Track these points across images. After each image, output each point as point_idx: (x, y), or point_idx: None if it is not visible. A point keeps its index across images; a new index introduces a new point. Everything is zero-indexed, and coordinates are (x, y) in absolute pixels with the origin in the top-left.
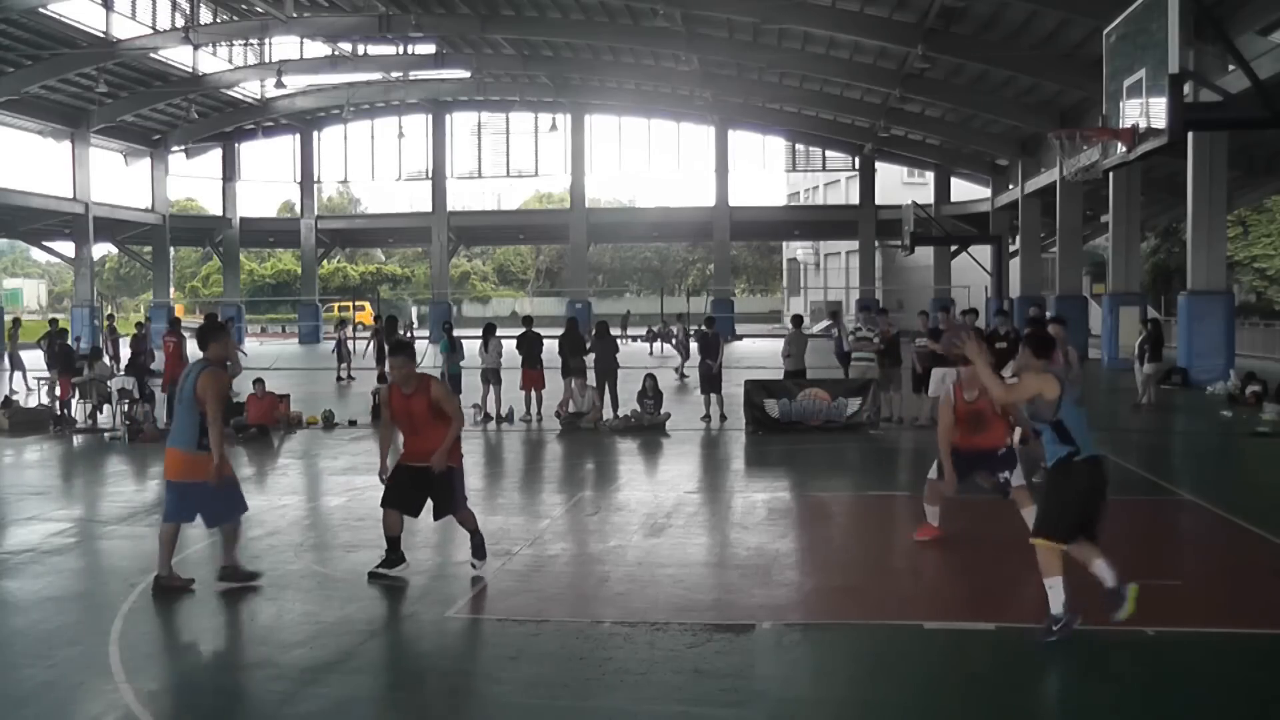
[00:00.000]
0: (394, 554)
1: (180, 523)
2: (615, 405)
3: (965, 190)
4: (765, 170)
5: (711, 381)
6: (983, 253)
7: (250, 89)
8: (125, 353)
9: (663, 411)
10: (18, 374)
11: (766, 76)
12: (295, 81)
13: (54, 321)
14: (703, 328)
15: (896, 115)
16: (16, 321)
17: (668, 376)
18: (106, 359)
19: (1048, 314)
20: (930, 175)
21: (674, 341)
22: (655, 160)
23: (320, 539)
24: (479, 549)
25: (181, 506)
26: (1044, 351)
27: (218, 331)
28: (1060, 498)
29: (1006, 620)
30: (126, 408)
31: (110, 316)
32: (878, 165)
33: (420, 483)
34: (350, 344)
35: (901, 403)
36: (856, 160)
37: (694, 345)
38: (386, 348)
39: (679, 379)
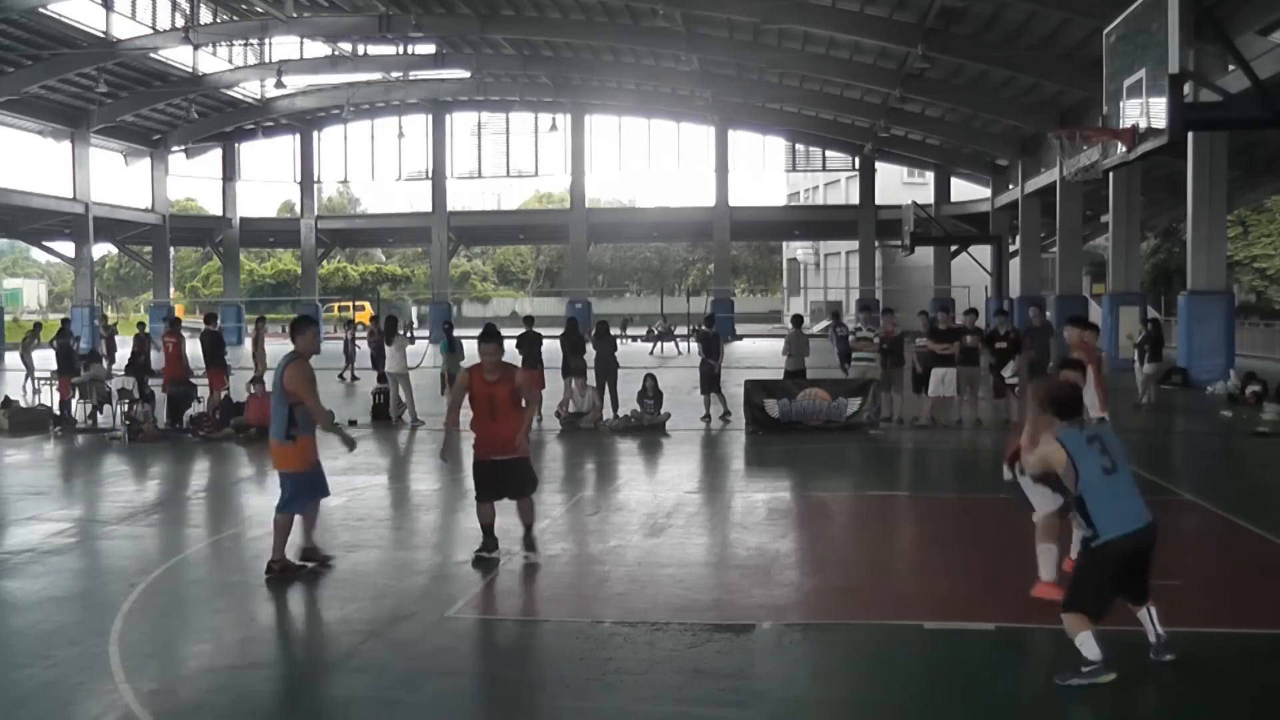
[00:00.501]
0: (490, 539)
1: (317, 498)
2: (615, 405)
3: (965, 190)
4: (765, 170)
5: (713, 381)
6: (983, 253)
7: (250, 89)
8: (120, 353)
9: (663, 411)
10: (28, 377)
11: (766, 76)
12: (295, 81)
13: (66, 322)
14: (703, 327)
15: (896, 115)
16: (38, 326)
17: (668, 376)
18: (103, 361)
19: (1052, 312)
20: (930, 175)
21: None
22: (655, 160)
23: (320, 539)
24: (530, 542)
25: (293, 493)
26: (1068, 413)
27: (305, 325)
28: (1086, 577)
29: (1006, 620)
30: (126, 408)
31: (104, 316)
32: (878, 165)
33: (501, 474)
34: (356, 344)
35: (902, 403)
36: (856, 160)
37: (694, 345)
38: (386, 348)
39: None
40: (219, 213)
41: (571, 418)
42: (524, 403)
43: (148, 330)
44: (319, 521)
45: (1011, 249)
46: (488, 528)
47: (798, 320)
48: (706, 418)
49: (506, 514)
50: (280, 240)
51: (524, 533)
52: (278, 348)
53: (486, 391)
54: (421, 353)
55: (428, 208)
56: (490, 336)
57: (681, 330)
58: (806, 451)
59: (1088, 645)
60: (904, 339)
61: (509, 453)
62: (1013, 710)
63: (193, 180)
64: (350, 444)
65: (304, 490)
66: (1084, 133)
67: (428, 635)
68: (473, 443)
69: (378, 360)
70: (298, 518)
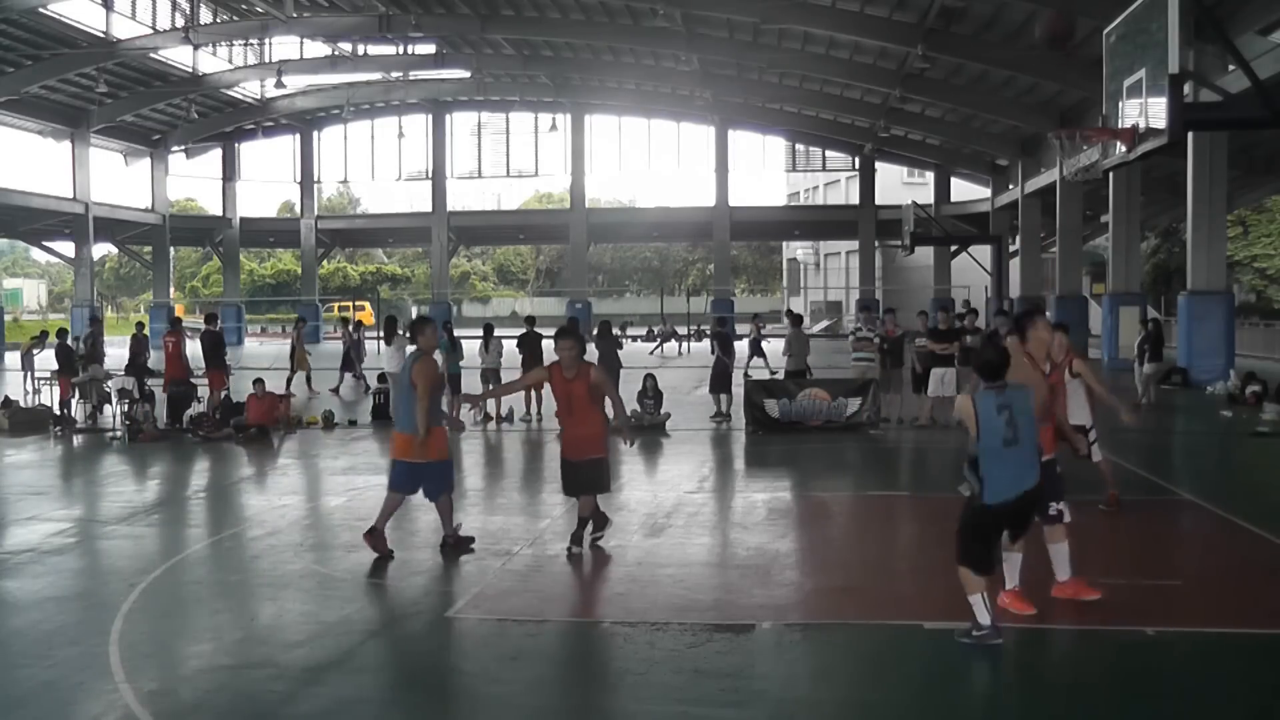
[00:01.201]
0: (600, 518)
1: (404, 494)
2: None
3: (965, 190)
4: (765, 170)
5: (725, 380)
6: (983, 253)
7: (250, 89)
8: (110, 352)
9: (663, 411)
10: (27, 377)
11: (766, 76)
12: (295, 81)
13: (95, 321)
14: (719, 327)
15: (896, 115)
16: (43, 334)
17: (668, 376)
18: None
19: (1052, 312)
20: (930, 175)
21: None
22: (655, 160)
23: (320, 539)
24: (579, 538)
25: (406, 480)
26: (989, 376)
27: (425, 324)
28: (968, 534)
29: (1006, 620)
30: (126, 408)
31: (93, 319)
32: (878, 165)
33: (581, 470)
34: (364, 343)
35: (901, 403)
36: (856, 160)
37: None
38: (385, 348)
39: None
40: (219, 213)
41: None
42: (604, 400)
43: (145, 331)
44: (326, 520)
45: (1011, 249)
46: (595, 512)
47: (798, 320)
48: (719, 415)
49: (513, 514)
50: (280, 240)
51: (577, 526)
52: (278, 347)
53: (565, 389)
54: None
55: (428, 208)
56: (567, 333)
57: (682, 330)
58: (806, 451)
59: (978, 608)
60: (904, 339)
61: (588, 452)
62: (1012, 710)
63: (193, 180)
64: (439, 450)
65: (448, 472)
66: (1084, 133)
67: (428, 635)
68: (560, 440)
69: (347, 361)
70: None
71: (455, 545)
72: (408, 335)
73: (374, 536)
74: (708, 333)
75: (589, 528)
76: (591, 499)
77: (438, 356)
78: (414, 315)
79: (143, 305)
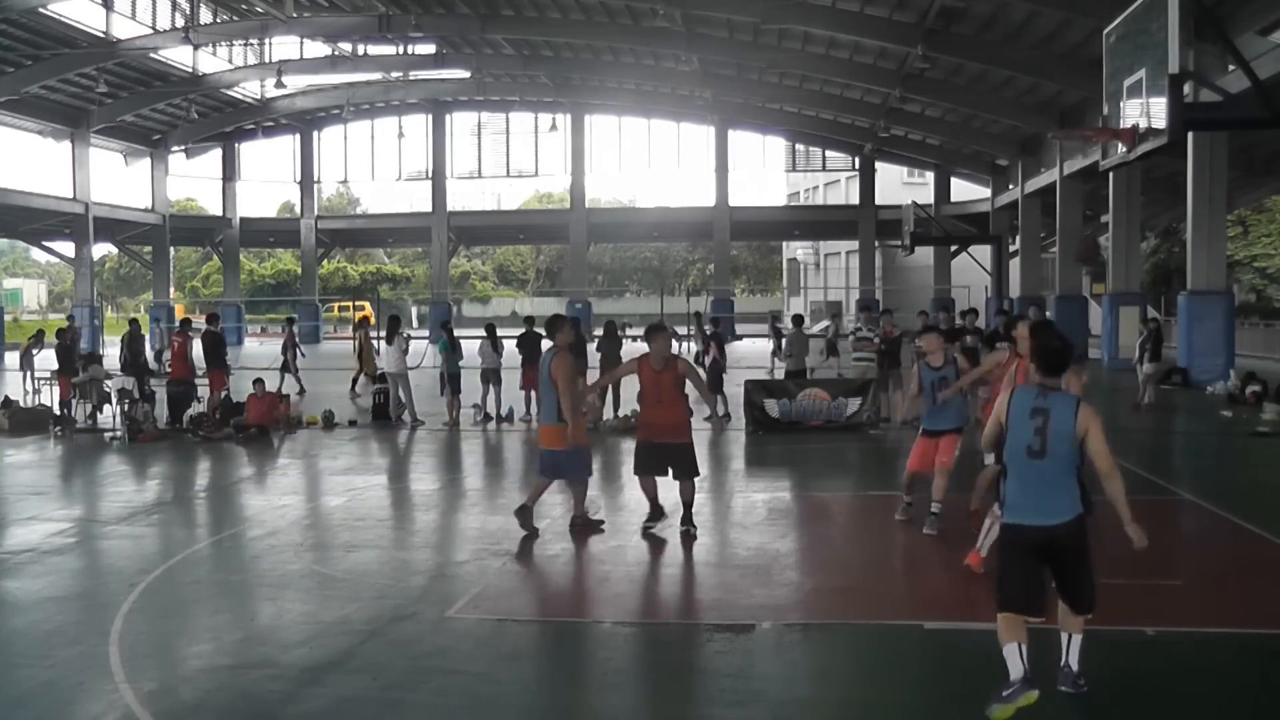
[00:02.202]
0: (656, 508)
1: (550, 479)
2: (616, 405)
3: (965, 190)
4: (765, 170)
5: (719, 381)
6: (983, 253)
7: (250, 89)
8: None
9: None
10: (27, 377)
11: (766, 76)
12: (295, 81)
13: (133, 321)
14: (717, 327)
15: (896, 115)
16: (40, 333)
17: None
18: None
19: (1051, 311)
20: (930, 175)
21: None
22: (655, 160)
23: (320, 539)
24: (689, 518)
25: (550, 466)
26: (1047, 370)
27: (561, 322)
28: (1000, 559)
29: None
30: (126, 408)
31: (70, 318)
32: (878, 165)
33: (661, 454)
34: (374, 344)
35: (901, 403)
36: (856, 160)
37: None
38: (386, 348)
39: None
40: (219, 213)
41: None
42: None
43: (143, 331)
44: (326, 520)
45: (1011, 249)
46: (653, 500)
47: (798, 320)
48: (721, 417)
49: (513, 514)
50: (280, 240)
51: (684, 511)
52: (278, 347)
53: (654, 380)
54: (421, 353)
55: (428, 208)
56: (659, 329)
57: (680, 329)
58: (806, 451)
59: (1011, 660)
60: (902, 339)
61: (673, 437)
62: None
63: (193, 180)
64: (579, 438)
65: (587, 459)
66: (1084, 133)
67: (428, 635)
68: (638, 426)
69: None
70: (553, 485)
71: (583, 526)
72: (544, 332)
73: (524, 514)
74: (707, 333)
75: (647, 516)
76: (690, 486)
77: (439, 356)
78: (556, 314)
79: (143, 305)
